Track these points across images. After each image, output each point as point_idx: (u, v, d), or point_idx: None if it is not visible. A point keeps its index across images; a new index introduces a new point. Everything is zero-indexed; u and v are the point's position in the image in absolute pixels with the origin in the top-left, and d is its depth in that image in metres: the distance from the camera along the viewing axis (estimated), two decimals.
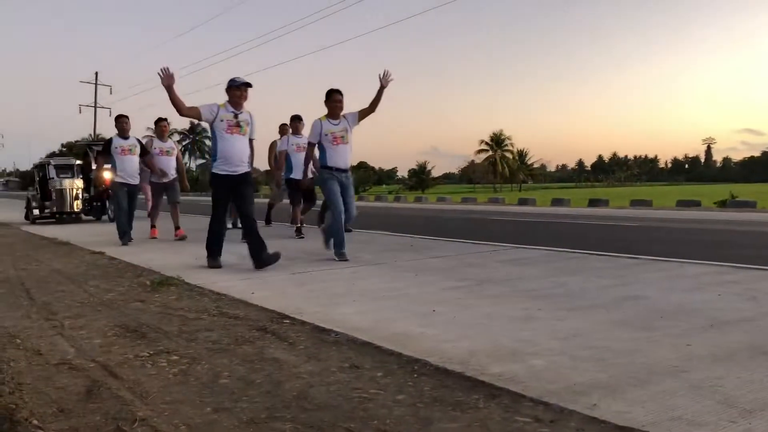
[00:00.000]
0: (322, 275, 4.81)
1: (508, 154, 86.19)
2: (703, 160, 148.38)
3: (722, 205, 18.20)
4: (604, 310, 3.34)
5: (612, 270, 4.80)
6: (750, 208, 16.45)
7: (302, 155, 8.08)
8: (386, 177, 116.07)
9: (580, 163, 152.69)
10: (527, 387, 2.12)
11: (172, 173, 8.38)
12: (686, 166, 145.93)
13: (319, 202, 9.11)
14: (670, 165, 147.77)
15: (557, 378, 2.21)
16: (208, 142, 76.10)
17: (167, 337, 2.98)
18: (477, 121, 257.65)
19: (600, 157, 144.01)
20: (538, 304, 3.51)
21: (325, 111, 5.80)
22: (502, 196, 29.55)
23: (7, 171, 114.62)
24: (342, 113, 5.78)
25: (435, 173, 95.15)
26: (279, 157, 8.45)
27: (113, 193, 8.12)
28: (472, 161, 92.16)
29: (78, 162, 14.14)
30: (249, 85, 5.30)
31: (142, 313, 3.55)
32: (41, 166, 13.70)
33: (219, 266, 5.30)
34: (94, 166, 13.68)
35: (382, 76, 5.63)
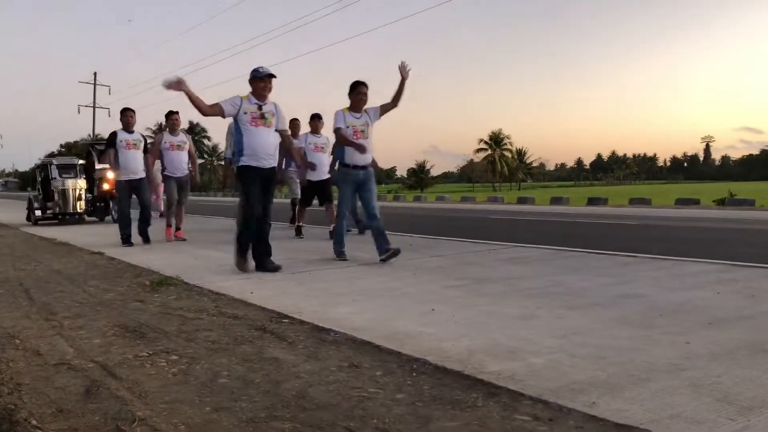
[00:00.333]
0: (321, 275, 4.81)
1: (507, 153, 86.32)
2: (702, 159, 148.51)
3: (721, 203, 18.23)
4: (603, 309, 3.34)
5: (611, 268, 4.81)
6: (749, 206, 16.46)
7: (321, 155, 7.96)
8: (385, 176, 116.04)
9: (579, 162, 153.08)
10: (526, 385, 2.12)
11: (185, 168, 7.97)
12: (685, 164, 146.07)
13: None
14: (669, 163, 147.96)
15: (556, 376, 2.21)
16: (207, 142, 76.10)
17: (166, 336, 2.98)
18: (476, 120, 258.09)
19: (599, 156, 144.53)
20: (537, 303, 3.52)
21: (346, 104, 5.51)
22: (501, 195, 29.56)
23: (6, 171, 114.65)
24: (364, 107, 5.54)
25: (434, 172, 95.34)
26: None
27: (116, 191, 7.83)
28: (471, 160, 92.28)
29: (81, 161, 13.78)
30: (273, 75, 5.04)
31: (141, 313, 3.54)
32: (43, 166, 13.34)
33: (249, 269, 5.01)
34: (97, 166, 13.40)
35: (400, 67, 5.36)
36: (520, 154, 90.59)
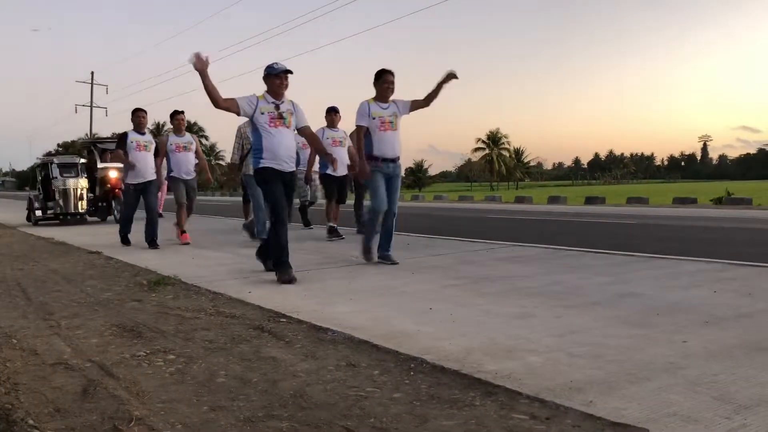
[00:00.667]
0: (319, 274, 4.81)
1: (505, 153, 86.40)
2: (699, 158, 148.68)
3: (718, 202, 18.21)
4: (600, 307, 3.35)
5: (608, 267, 4.81)
6: (746, 205, 16.47)
7: (339, 149, 7.55)
8: None
9: (577, 161, 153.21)
10: (523, 384, 2.12)
11: (192, 171, 7.70)
12: (682, 163, 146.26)
13: (349, 201, 8.89)
14: (666, 162, 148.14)
15: (553, 375, 2.22)
16: (205, 141, 75.98)
17: (164, 336, 2.98)
18: (474, 120, 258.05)
19: (596, 155, 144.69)
20: (535, 302, 3.52)
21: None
22: (499, 194, 29.56)
23: (3, 171, 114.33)
24: (392, 98, 5.25)
25: (432, 171, 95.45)
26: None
27: (123, 192, 7.55)
28: (469, 159, 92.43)
29: (82, 160, 13.44)
30: (289, 71, 4.67)
31: (138, 313, 3.54)
32: (44, 165, 13.05)
33: (294, 280, 4.42)
34: (99, 165, 13.11)
35: (450, 73, 5.14)
36: (518, 153, 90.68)
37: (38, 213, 12.37)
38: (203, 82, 4.40)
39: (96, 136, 39.32)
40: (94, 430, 1.87)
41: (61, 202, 12.00)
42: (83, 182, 12.33)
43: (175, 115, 7.70)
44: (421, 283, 4.29)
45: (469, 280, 4.36)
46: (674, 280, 4.18)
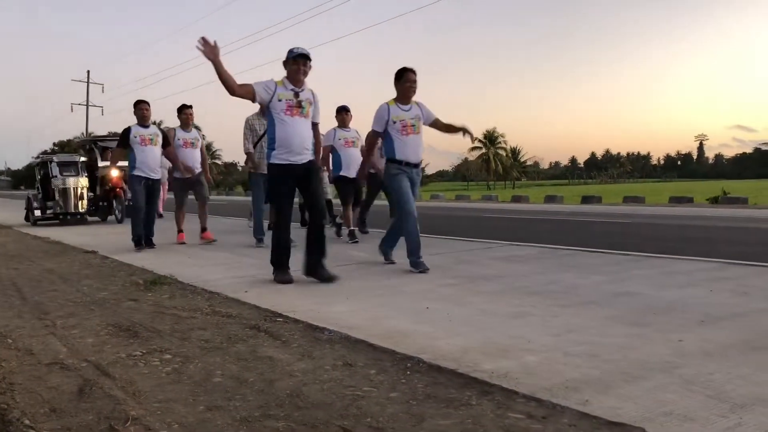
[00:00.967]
0: None
1: (502, 152, 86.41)
2: (695, 157, 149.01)
3: (714, 201, 18.27)
4: (597, 307, 3.35)
5: (605, 266, 4.82)
6: (742, 205, 16.54)
7: (352, 150, 7.31)
8: None
9: (573, 161, 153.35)
10: (520, 383, 2.13)
11: (198, 167, 7.44)
12: (679, 162, 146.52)
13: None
14: (662, 162, 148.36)
15: (550, 374, 2.22)
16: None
17: (160, 336, 2.98)
18: (471, 119, 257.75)
19: (593, 155, 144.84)
20: (531, 301, 3.52)
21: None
22: (496, 194, 29.56)
23: None
24: (414, 99, 4.96)
25: (429, 171, 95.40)
26: (323, 154, 6.89)
27: (130, 189, 7.27)
28: (466, 159, 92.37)
29: (82, 159, 12.97)
30: (307, 56, 4.41)
31: (134, 312, 3.53)
32: (43, 164, 12.68)
33: (291, 281, 4.39)
34: (100, 163, 12.86)
35: (470, 133, 5.07)
36: (515, 152, 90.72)
37: (37, 213, 12.07)
38: (216, 70, 4.21)
39: (92, 134, 39.18)
40: (90, 430, 1.87)
41: (60, 201, 11.69)
42: (83, 181, 11.98)
43: (183, 110, 7.46)
44: (418, 282, 4.30)
45: (466, 279, 4.36)
46: (670, 279, 4.20)
